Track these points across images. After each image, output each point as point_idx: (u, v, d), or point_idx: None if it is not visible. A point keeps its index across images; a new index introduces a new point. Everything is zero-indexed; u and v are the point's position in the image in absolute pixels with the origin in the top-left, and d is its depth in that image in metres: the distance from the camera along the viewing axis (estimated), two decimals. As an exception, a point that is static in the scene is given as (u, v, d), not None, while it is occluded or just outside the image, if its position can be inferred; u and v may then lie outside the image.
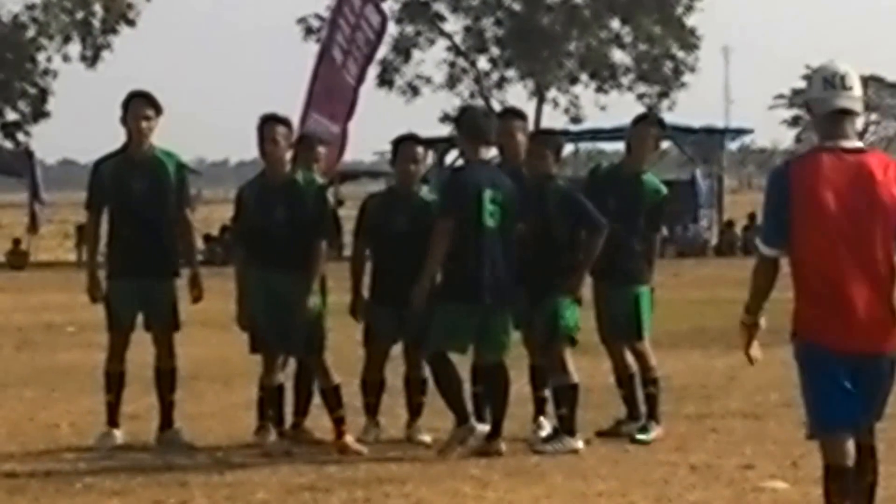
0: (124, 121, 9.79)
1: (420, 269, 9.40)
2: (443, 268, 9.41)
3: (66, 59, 42.97)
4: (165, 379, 9.91)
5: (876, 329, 6.19)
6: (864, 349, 6.18)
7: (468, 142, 9.69)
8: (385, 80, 43.14)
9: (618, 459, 8.81)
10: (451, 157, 40.65)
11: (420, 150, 9.98)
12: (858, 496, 6.03)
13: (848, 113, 6.26)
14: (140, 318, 9.78)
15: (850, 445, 6.16)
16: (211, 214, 34.53)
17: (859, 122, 7.65)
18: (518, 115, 10.52)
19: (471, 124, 9.72)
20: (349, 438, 9.36)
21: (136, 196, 9.80)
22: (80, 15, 41.87)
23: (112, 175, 9.79)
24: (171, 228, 9.90)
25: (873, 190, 6.11)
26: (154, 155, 9.74)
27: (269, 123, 9.44)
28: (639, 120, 10.45)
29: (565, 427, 9.26)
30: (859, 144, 6.31)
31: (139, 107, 9.78)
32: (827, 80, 6.28)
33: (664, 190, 10.13)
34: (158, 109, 9.87)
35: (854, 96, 6.28)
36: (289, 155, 9.75)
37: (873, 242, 6.13)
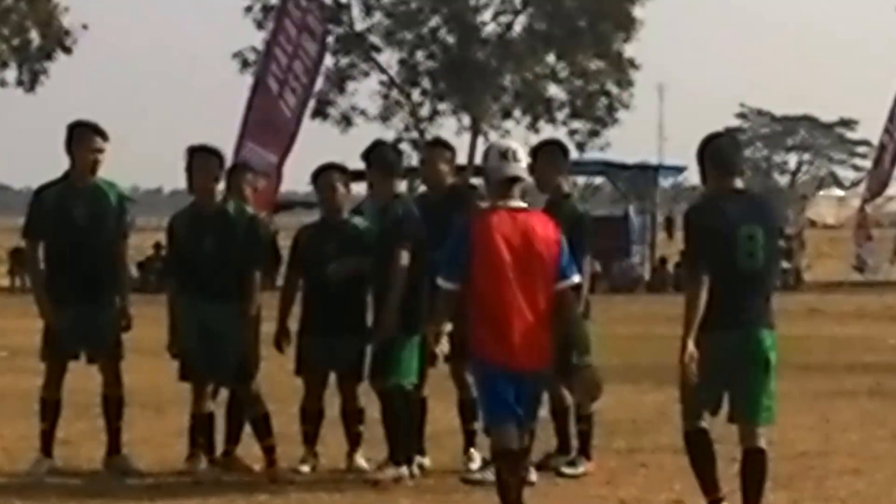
0: (69, 149, 9.78)
1: (351, 299, 9.72)
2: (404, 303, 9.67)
3: (2, 84, 43.00)
4: (113, 406, 9.95)
5: (533, 351, 7.76)
6: (524, 367, 7.75)
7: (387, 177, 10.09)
8: (319, 112, 43.46)
9: (548, 492, 8.95)
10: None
11: (338, 176, 10.07)
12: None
13: (517, 180, 7.93)
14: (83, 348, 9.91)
15: (513, 433, 7.75)
16: (143, 242, 34.61)
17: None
18: (444, 145, 10.88)
19: (385, 160, 10.14)
20: (280, 467, 9.44)
21: (78, 224, 9.80)
22: (16, 42, 41.92)
23: (54, 203, 9.82)
24: (110, 257, 9.98)
25: (533, 242, 7.77)
26: (96, 184, 9.78)
27: (197, 154, 9.57)
28: (537, 150, 10.23)
29: None
30: (524, 205, 7.95)
31: (91, 139, 9.82)
32: (502, 154, 8.01)
33: (581, 209, 10.22)
34: (107, 140, 9.91)
35: (522, 167, 7.95)
36: (221, 185, 9.85)
37: (534, 283, 7.76)
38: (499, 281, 7.75)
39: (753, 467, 7.72)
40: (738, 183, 7.97)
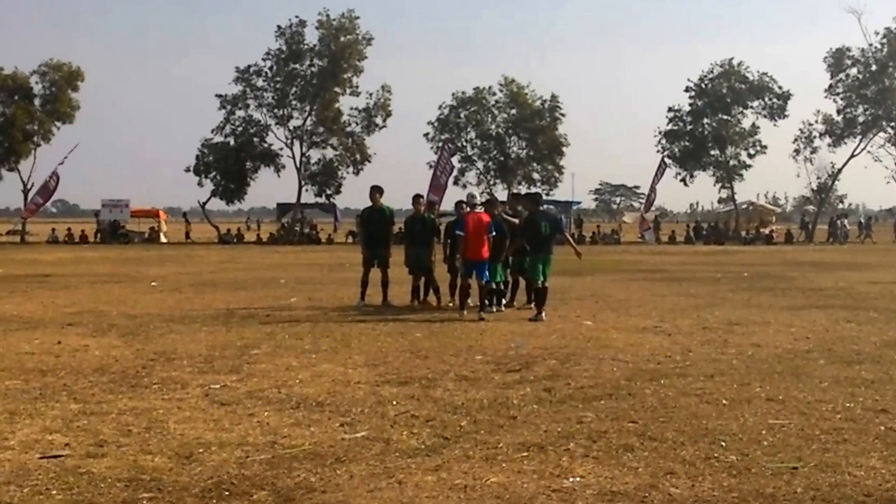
0: (372, 195, 20.08)
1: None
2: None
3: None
4: (385, 283, 19.61)
5: (481, 253, 17.56)
6: (478, 259, 17.35)
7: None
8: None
9: (506, 315, 18.30)
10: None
11: (464, 204, 18.67)
12: None
13: (476, 205, 17.97)
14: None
15: (470, 280, 17.63)
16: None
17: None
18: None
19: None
20: (442, 303, 19.68)
21: (375, 219, 19.88)
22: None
23: (368, 213, 20.00)
24: (387, 232, 19.67)
25: (481, 221, 17.90)
26: (382, 206, 20.00)
27: (416, 197, 19.97)
28: (518, 195, 21.49)
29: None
30: (479, 209, 17.90)
31: (375, 194, 20.15)
32: (472, 197, 18.24)
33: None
34: (382, 193, 20.04)
35: (477, 202, 17.93)
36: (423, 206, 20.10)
37: (480, 233, 17.84)
38: (470, 233, 17.49)
39: (543, 293, 17.19)
40: (542, 207, 18.29)
